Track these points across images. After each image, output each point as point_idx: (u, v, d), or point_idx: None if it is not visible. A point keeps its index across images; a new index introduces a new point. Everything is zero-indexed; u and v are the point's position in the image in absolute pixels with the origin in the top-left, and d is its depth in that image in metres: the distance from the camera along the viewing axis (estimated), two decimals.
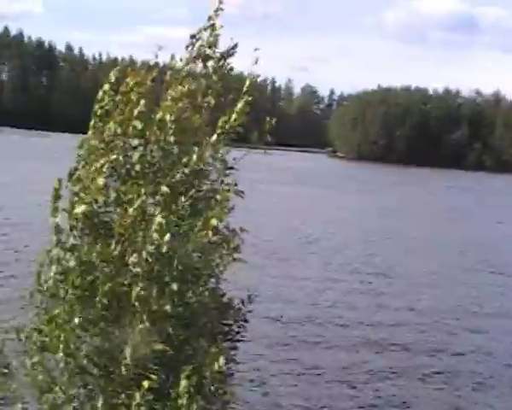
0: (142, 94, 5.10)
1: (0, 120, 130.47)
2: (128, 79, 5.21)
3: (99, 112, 5.35)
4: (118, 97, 5.27)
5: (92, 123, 5.37)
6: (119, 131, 5.17)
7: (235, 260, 5.18)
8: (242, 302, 5.75)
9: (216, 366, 4.81)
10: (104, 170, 5.03)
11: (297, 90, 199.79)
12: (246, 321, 5.77)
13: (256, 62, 5.23)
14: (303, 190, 54.42)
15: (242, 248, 5.18)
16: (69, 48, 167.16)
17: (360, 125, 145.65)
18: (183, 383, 4.71)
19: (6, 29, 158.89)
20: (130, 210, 4.86)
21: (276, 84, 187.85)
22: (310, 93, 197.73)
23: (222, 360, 4.84)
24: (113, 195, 5.12)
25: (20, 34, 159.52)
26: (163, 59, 5.41)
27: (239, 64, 5.49)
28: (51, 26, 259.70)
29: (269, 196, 43.99)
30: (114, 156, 5.05)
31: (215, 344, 5.10)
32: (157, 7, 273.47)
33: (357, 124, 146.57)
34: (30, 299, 5.41)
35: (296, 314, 16.82)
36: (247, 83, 5.22)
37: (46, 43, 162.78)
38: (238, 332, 5.73)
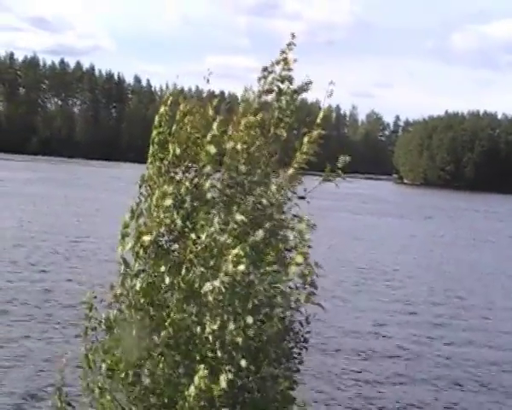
0: (196, 122, 5.20)
1: (72, 152, 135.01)
2: (181, 107, 5.31)
3: (156, 139, 5.44)
4: (174, 126, 5.36)
5: (151, 151, 5.47)
6: (178, 152, 5.25)
7: (310, 295, 5.04)
8: (301, 324, 5.71)
9: (283, 388, 4.78)
10: (169, 193, 5.11)
11: (361, 116, 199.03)
12: (306, 341, 5.72)
13: (330, 95, 5.21)
14: (374, 219, 53.76)
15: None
16: (137, 80, 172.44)
17: (426, 151, 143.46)
18: None
19: (78, 63, 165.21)
20: (203, 237, 4.89)
21: (341, 111, 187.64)
22: (375, 120, 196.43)
23: (288, 384, 4.80)
24: (179, 222, 5.18)
25: (92, 68, 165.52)
26: (229, 88, 5.47)
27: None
28: (120, 60, 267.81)
29: (340, 223, 43.69)
30: (174, 176, 5.13)
31: (279, 368, 5.07)
32: (219, 37, 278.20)
33: (423, 150, 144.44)
34: (84, 335, 5.48)
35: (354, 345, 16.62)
36: (321, 115, 5.21)
37: (115, 76, 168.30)
38: (300, 353, 5.69)
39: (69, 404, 5.71)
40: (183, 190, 5.21)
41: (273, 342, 5.17)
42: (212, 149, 5.13)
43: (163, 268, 5.12)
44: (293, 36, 5.25)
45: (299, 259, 4.80)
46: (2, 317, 15.61)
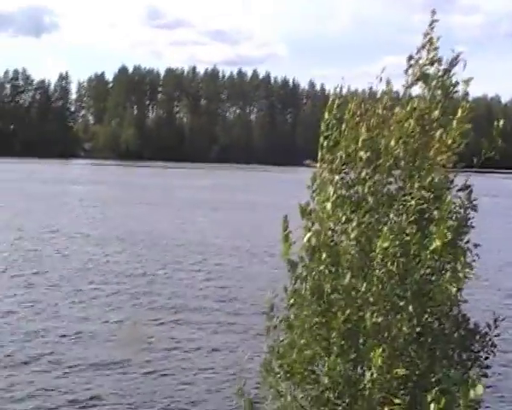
0: (368, 122, 5.13)
1: (250, 158, 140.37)
2: (350, 107, 5.28)
3: (325, 143, 5.48)
4: (343, 126, 5.35)
5: (320, 155, 5.51)
6: (344, 157, 5.25)
7: (467, 278, 4.92)
8: (488, 327, 5.42)
9: (472, 395, 4.58)
10: (332, 197, 5.12)
11: None
12: (494, 346, 5.43)
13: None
14: None
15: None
16: (311, 85, 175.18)
17: None
18: (432, 406, 4.57)
19: (255, 72, 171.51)
20: (352, 234, 4.90)
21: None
22: None
23: (480, 389, 4.60)
24: (342, 224, 5.19)
25: (267, 76, 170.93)
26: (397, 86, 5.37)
27: (474, 88, 5.25)
28: (295, 65, 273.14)
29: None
30: (337, 177, 5.15)
31: (463, 371, 4.90)
32: (393, 36, 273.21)
33: None
34: (266, 334, 5.65)
35: None
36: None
37: (290, 82, 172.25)
38: (487, 358, 5.42)
39: (252, 403, 5.91)
40: (343, 193, 5.22)
41: (443, 337, 5.04)
42: (364, 155, 5.08)
43: (331, 268, 5.17)
44: (433, 13, 5.08)
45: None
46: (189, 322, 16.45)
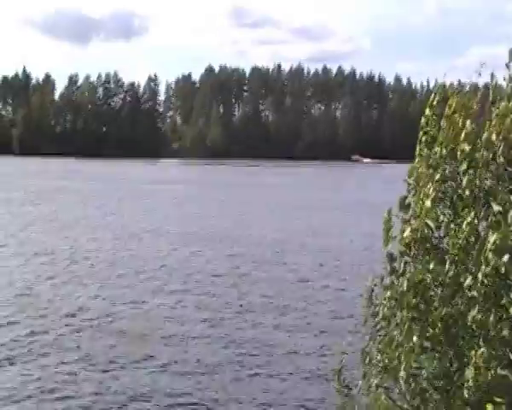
0: (468, 116, 5.10)
1: (335, 154, 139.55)
2: (450, 102, 5.26)
3: (423, 138, 5.50)
4: (442, 121, 5.35)
5: (418, 150, 5.53)
6: (444, 153, 5.24)
7: None
8: None
9: None
10: (431, 193, 5.13)
11: None
12: None
13: None
14: None
15: None
16: (397, 79, 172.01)
17: None
18: None
19: (339, 68, 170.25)
20: (464, 228, 4.87)
21: None
22: None
23: None
24: (442, 218, 5.19)
25: (352, 71, 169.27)
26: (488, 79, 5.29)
27: None
28: (380, 60, 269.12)
29: None
30: (438, 177, 5.13)
31: None
32: (481, 25, 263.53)
33: None
34: (363, 324, 5.71)
35: None
36: None
37: (376, 78, 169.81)
38: None
39: (348, 387, 6.00)
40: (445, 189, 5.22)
41: None
42: (467, 148, 5.05)
43: (431, 265, 5.17)
44: None
45: None
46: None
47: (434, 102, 5.47)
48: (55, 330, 14.35)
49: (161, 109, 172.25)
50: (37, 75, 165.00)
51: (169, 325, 15.31)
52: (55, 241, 27.08)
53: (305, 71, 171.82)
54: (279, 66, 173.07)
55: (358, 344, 5.80)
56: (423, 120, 5.51)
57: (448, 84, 5.88)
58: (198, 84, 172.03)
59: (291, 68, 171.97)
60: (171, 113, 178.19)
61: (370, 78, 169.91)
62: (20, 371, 11.89)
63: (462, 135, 5.08)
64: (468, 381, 4.78)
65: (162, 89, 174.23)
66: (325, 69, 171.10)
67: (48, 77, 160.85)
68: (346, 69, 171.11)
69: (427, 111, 5.49)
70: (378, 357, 5.53)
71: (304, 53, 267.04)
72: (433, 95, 5.50)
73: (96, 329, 14.67)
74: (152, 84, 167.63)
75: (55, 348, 13.27)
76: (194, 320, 15.77)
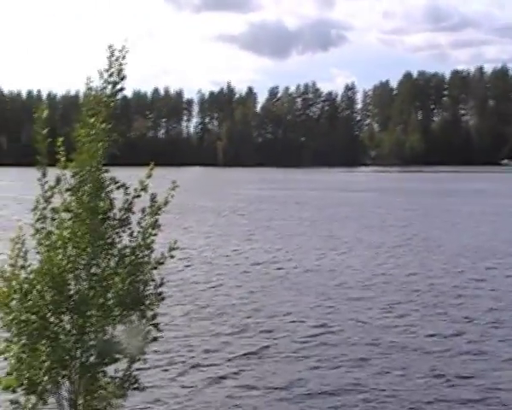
0: None
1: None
2: None
3: None
4: None
5: None
6: None
7: None
8: None
9: None
10: None
11: None
12: None
13: None
14: None
15: None
16: None
17: None
18: None
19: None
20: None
21: None
22: None
23: None
24: None
25: None
26: None
27: None
28: None
29: None
30: None
31: None
32: None
33: None
34: None
35: None
36: None
37: None
38: None
39: None
40: None
41: None
42: None
43: None
44: None
45: None
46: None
47: None
48: None
49: (358, 117, 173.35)
50: (240, 89, 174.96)
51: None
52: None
53: (510, 72, 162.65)
54: (481, 68, 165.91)
55: None
56: None
57: None
58: (395, 91, 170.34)
59: (494, 70, 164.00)
60: (368, 120, 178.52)
61: None
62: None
63: None
64: None
65: (359, 97, 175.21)
66: None
67: (250, 90, 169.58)
68: None
69: None
70: None
71: (508, 53, 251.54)
72: None
73: None
74: (349, 92, 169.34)
75: None
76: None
